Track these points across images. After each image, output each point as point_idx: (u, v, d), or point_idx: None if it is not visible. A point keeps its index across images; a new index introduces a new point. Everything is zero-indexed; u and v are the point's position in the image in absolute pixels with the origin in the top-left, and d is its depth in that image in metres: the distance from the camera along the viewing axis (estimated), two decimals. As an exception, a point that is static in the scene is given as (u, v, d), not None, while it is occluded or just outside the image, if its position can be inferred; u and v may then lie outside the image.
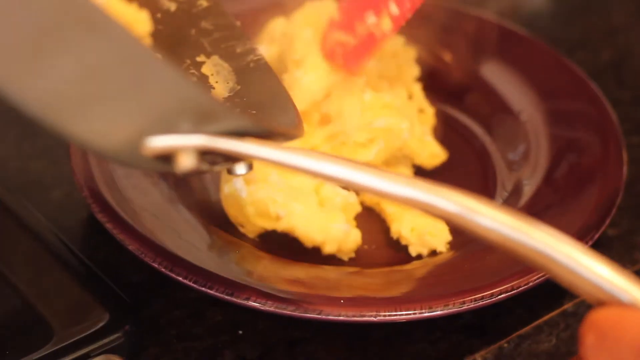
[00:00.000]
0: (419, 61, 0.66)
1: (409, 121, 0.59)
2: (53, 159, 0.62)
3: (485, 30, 0.69)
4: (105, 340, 0.48)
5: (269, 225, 0.55)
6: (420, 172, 0.61)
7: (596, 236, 0.53)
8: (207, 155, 0.40)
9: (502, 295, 0.50)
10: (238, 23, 0.55)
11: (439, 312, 0.49)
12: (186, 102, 0.38)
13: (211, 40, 0.54)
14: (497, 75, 0.66)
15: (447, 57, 0.69)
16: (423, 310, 0.48)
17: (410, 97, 0.65)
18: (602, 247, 0.56)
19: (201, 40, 0.54)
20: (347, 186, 0.41)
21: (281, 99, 0.51)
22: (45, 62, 0.36)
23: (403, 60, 0.65)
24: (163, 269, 0.50)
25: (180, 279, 0.49)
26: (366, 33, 0.56)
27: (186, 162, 0.39)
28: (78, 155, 0.56)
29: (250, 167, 0.44)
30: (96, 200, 0.53)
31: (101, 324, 0.48)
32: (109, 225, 0.52)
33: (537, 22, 0.78)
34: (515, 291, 0.50)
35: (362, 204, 0.58)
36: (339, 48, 0.57)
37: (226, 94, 0.51)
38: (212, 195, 0.58)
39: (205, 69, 0.53)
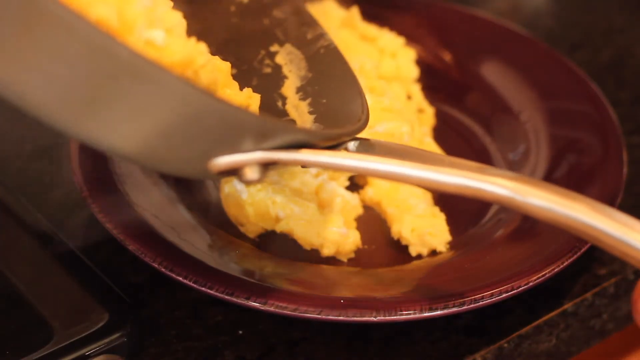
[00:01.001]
0: (419, 61, 0.66)
1: (409, 124, 0.59)
2: (53, 159, 0.62)
3: (485, 30, 0.69)
4: (105, 340, 0.48)
5: (269, 225, 0.56)
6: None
7: (596, 236, 0.53)
8: (270, 165, 0.43)
9: (502, 295, 0.49)
10: (307, 8, 0.57)
11: (439, 312, 0.49)
12: (245, 127, 0.41)
13: (283, 28, 0.56)
14: (497, 75, 0.66)
15: (447, 57, 0.69)
16: (423, 310, 0.48)
17: (409, 97, 0.65)
18: (602, 247, 0.56)
19: (274, 29, 0.56)
20: (400, 181, 0.44)
21: (349, 86, 0.52)
22: (101, 109, 0.38)
23: (402, 61, 0.66)
24: (163, 269, 0.49)
25: (180, 279, 0.49)
26: None
27: (251, 175, 0.42)
28: (78, 155, 0.56)
29: None
30: (96, 200, 0.53)
31: (101, 324, 0.48)
32: (109, 225, 0.52)
33: (537, 22, 0.78)
34: (515, 291, 0.50)
35: (362, 203, 0.58)
36: None
37: (299, 83, 0.53)
38: (212, 195, 0.58)
39: (279, 59, 0.55)
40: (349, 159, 0.44)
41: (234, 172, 0.42)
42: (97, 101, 0.38)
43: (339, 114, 0.50)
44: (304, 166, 0.47)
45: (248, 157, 0.42)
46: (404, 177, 0.44)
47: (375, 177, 0.45)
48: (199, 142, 0.41)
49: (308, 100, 0.51)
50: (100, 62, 0.37)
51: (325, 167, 0.44)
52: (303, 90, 0.52)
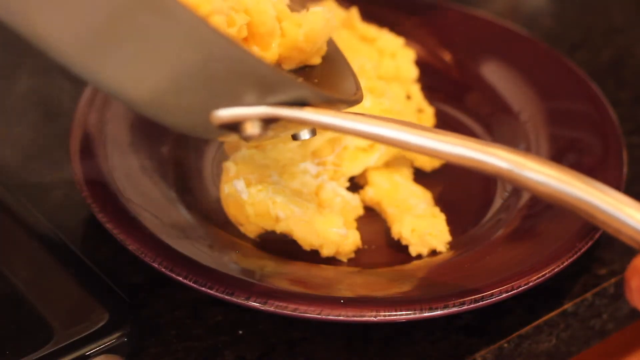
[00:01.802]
0: (419, 61, 0.66)
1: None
2: (53, 159, 0.62)
3: (485, 30, 0.69)
4: (105, 340, 0.48)
5: (269, 226, 0.56)
6: (420, 173, 0.61)
7: (597, 236, 0.53)
8: (271, 123, 0.43)
9: (502, 295, 0.50)
10: None
11: (439, 312, 0.49)
12: (253, 75, 0.41)
13: None
14: (497, 75, 0.66)
15: (447, 57, 0.69)
16: (423, 310, 0.48)
17: (408, 97, 0.65)
18: (603, 246, 0.56)
19: None
20: (401, 147, 0.44)
21: (341, 67, 0.53)
22: (118, 46, 0.39)
23: (402, 61, 0.66)
24: (163, 269, 0.49)
25: (180, 279, 0.49)
26: None
27: (252, 130, 0.42)
28: (78, 155, 0.56)
29: (314, 132, 0.47)
30: (96, 200, 0.53)
31: (101, 324, 0.48)
32: (109, 225, 0.52)
33: (537, 22, 0.78)
34: (515, 291, 0.50)
35: (363, 203, 0.58)
36: None
37: (292, 66, 0.53)
38: (212, 195, 0.58)
39: None
40: (352, 120, 0.44)
41: (235, 127, 0.42)
42: (111, 35, 0.38)
43: (332, 91, 0.50)
44: (295, 138, 0.47)
45: (251, 111, 0.42)
46: (408, 144, 0.44)
47: (377, 141, 0.45)
48: (206, 88, 0.41)
49: (300, 80, 0.52)
50: None
51: (327, 127, 0.44)
52: (294, 72, 0.52)
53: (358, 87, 0.50)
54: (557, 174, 0.42)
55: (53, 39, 0.38)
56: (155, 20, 0.38)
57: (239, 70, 0.41)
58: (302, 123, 0.44)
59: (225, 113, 0.42)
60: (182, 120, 0.44)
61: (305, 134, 0.47)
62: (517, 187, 0.43)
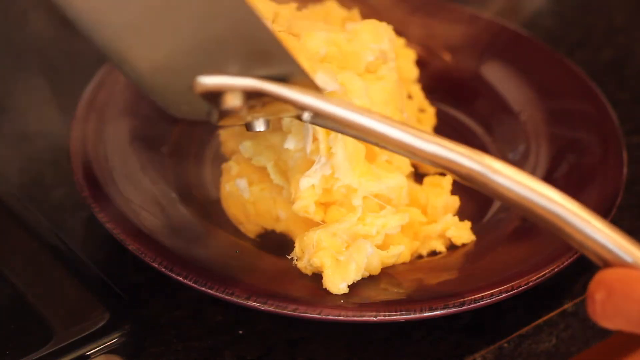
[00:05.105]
0: (419, 61, 0.66)
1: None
2: (53, 159, 0.62)
3: (485, 30, 0.69)
4: (105, 340, 0.48)
5: (269, 225, 0.56)
6: (420, 174, 0.61)
7: (596, 236, 0.53)
8: (250, 99, 0.42)
9: (502, 295, 0.50)
10: None
11: (439, 312, 0.49)
12: (252, 39, 0.40)
13: None
14: (497, 75, 0.66)
15: (447, 57, 0.69)
16: (423, 310, 0.48)
17: (410, 97, 0.65)
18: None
19: None
20: (375, 138, 0.44)
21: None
22: None
23: (403, 61, 0.66)
24: (163, 269, 0.50)
25: (180, 279, 0.49)
26: None
27: (233, 102, 0.42)
28: (78, 155, 0.56)
29: (267, 124, 0.46)
30: (96, 200, 0.53)
31: (101, 324, 0.48)
32: (109, 225, 0.52)
33: (537, 22, 0.78)
34: (515, 291, 0.50)
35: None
36: None
37: None
38: (212, 195, 0.58)
39: None
40: (336, 105, 0.44)
41: (215, 97, 0.42)
42: None
43: None
44: (249, 128, 0.46)
45: (237, 82, 0.41)
46: (382, 136, 0.44)
47: (353, 129, 0.44)
48: (201, 47, 0.40)
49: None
50: None
51: (308, 108, 0.44)
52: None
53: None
54: (529, 182, 0.42)
55: None
56: None
57: (241, 30, 0.40)
58: (285, 101, 0.43)
59: (210, 80, 0.41)
60: (164, 81, 0.42)
61: (260, 125, 0.46)
62: (486, 193, 0.43)
